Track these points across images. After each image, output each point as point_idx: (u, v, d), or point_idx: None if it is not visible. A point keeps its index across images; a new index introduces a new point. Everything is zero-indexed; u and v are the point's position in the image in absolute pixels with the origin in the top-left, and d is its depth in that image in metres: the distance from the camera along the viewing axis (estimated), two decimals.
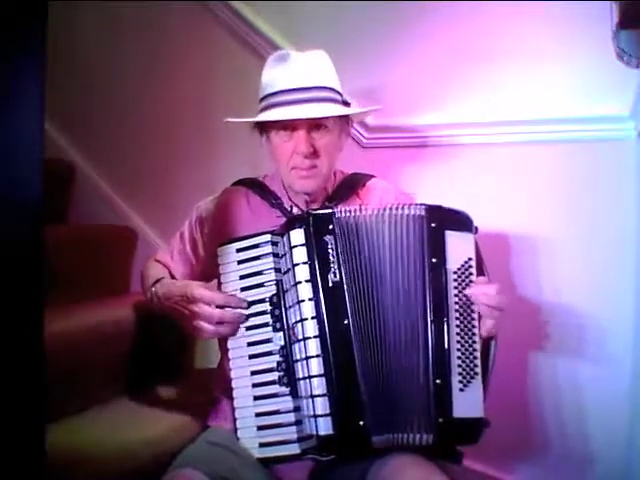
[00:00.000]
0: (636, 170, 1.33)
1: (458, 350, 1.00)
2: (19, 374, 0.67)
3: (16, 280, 0.66)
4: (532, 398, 1.46)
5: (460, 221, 1.06)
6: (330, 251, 1.00)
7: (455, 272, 1.02)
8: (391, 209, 1.04)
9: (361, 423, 0.95)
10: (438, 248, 1.02)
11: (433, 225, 1.03)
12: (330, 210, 1.04)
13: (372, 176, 1.29)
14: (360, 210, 1.04)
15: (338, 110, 1.15)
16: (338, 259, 1.00)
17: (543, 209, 1.43)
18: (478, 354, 1.01)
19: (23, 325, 0.67)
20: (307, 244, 1.00)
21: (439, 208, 1.06)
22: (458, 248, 1.03)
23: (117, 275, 1.85)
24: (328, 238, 1.01)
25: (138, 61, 1.96)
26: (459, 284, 1.02)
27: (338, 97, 1.17)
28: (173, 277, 1.28)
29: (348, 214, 1.03)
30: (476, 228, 1.07)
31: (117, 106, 2.00)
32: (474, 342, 1.01)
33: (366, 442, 0.96)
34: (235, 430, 1.05)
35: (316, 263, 0.99)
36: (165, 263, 1.30)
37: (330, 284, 0.99)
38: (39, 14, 0.67)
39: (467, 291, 1.02)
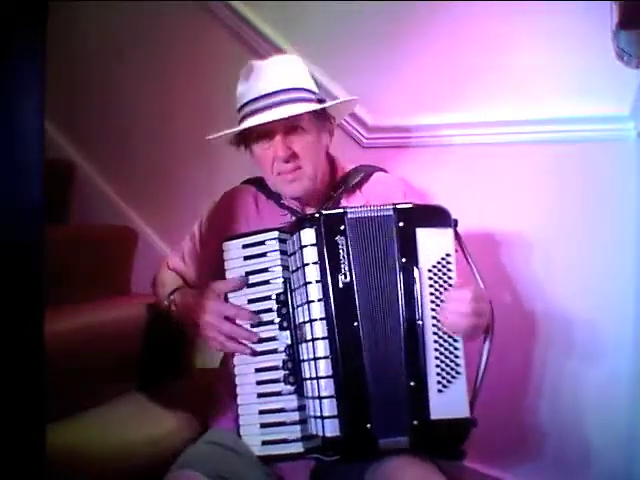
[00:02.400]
0: (636, 170, 1.33)
1: (436, 350, 0.98)
2: (19, 374, 0.67)
3: (17, 280, 0.66)
4: (529, 396, 1.46)
5: (434, 217, 1.02)
6: (341, 252, 0.99)
7: (430, 270, 0.99)
8: (368, 210, 1.02)
9: (368, 426, 0.95)
10: (408, 247, 1.00)
11: (401, 224, 1.00)
12: (342, 210, 1.02)
13: (378, 169, 1.27)
14: (368, 210, 1.03)
15: (305, 107, 1.12)
16: (349, 260, 0.99)
17: (542, 210, 1.43)
18: (460, 353, 0.99)
19: (23, 325, 0.67)
20: (318, 244, 0.99)
21: (409, 206, 1.03)
22: (433, 245, 1.00)
23: (117, 275, 1.85)
24: (339, 239, 0.99)
25: (138, 61, 1.96)
26: (435, 282, 0.99)
27: (310, 96, 1.15)
28: (187, 283, 1.28)
29: (360, 215, 1.01)
30: (455, 221, 1.03)
31: (117, 106, 2.00)
32: (455, 341, 0.99)
33: (373, 445, 0.96)
34: (238, 427, 1.04)
35: (327, 263, 0.98)
36: (179, 270, 1.29)
37: (340, 285, 0.98)
38: (39, 14, 0.67)
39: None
